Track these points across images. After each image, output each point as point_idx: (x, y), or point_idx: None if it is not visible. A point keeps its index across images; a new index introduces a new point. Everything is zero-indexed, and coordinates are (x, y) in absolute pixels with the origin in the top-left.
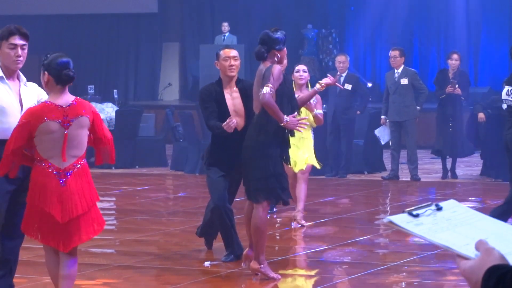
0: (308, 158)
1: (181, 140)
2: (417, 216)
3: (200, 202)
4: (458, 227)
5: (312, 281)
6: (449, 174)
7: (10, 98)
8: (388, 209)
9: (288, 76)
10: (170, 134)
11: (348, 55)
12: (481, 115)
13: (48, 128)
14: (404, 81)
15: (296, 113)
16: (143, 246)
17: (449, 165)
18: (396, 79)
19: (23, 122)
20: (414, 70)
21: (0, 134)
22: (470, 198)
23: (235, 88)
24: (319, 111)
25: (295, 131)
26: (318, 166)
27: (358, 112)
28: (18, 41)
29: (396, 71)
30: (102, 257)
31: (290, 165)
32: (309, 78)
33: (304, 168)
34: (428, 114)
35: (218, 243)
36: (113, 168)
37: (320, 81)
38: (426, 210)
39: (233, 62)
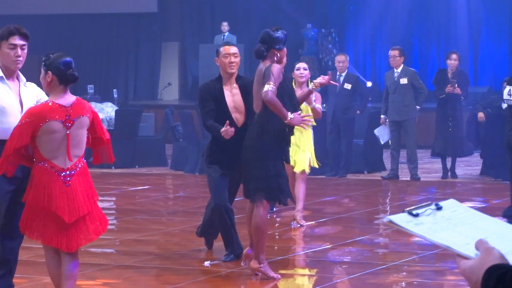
0: (309, 159)
1: (180, 140)
2: (417, 215)
3: (200, 202)
4: (458, 226)
5: (312, 281)
6: (449, 173)
7: (10, 98)
8: (388, 209)
9: (288, 74)
10: (170, 134)
11: (347, 55)
12: (480, 115)
13: (51, 128)
14: (404, 81)
15: (300, 111)
16: (143, 245)
17: (448, 165)
18: (396, 78)
19: (26, 121)
20: (413, 69)
21: (0, 134)
22: (473, 198)
23: (235, 85)
24: (317, 105)
25: (294, 130)
26: (316, 165)
27: (358, 111)
28: (18, 41)
29: (395, 70)
30: (102, 257)
31: (290, 163)
32: (309, 76)
33: (304, 170)
34: (428, 114)
35: (218, 243)
36: (113, 168)
37: (314, 81)
38: (426, 210)
39: (233, 59)
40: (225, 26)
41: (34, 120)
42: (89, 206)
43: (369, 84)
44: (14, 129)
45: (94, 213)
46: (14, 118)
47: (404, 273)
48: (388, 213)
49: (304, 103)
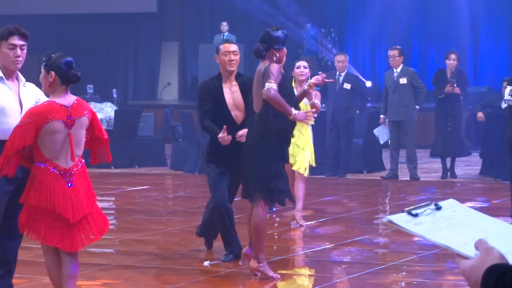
0: (309, 159)
1: (180, 140)
2: (416, 215)
3: (199, 202)
4: (457, 226)
5: (311, 281)
6: (449, 173)
7: (10, 98)
8: (387, 209)
9: (288, 73)
10: (170, 134)
11: (347, 55)
12: (480, 115)
13: (53, 128)
14: (403, 81)
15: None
16: (142, 245)
17: (448, 165)
18: (395, 78)
19: (28, 121)
20: (413, 69)
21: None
22: (473, 198)
23: (234, 83)
24: (316, 101)
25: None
26: (313, 164)
27: (357, 111)
28: (17, 41)
29: (395, 70)
30: (102, 257)
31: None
32: (310, 75)
33: (304, 170)
34: (427, 114)
35: (218, 243)
36: (112, 167)
37: (309, 81)
38: (425, 210)
39: (232, 57)
40: (224, 26)
41: (36, 120)
42: (90, 206)
43: (368, 84)
44: (15, 129)
45: (95, 213)
46: (14, 118)
47: (404, 273)
48: (387, 213)
49: (304, 102)
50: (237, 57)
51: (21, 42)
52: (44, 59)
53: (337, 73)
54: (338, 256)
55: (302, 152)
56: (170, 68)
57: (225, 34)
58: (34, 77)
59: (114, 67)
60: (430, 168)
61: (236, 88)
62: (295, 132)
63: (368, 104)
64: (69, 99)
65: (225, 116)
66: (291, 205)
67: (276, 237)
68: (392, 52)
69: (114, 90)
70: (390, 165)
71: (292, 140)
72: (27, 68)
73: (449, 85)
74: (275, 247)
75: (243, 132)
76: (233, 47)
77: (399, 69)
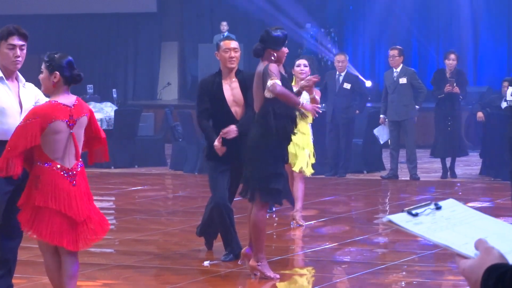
0: (309, 158)
1: (180, 140)
2: (416, 215)
3: (199, 202)
4: (457, 226)
5: (311, 281)
6: (448, 173)
7: (10, 99)
8: (387, 209)
9: (288, 70)
10: (169, 134)
11: (347, 54)
12: (480, 114)
13: (56, 128)
14: (403, 81)
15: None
16: (142, 245)
17: (448, 165)
18: (395, 78)
19: (32, 121)
20: (413, 69)
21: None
22: (473, 198)
23: (234, 79)
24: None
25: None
26: (312, 161)
27: (357, 111)
28: (17, 41)
29: (394, 70)
30: (102, 257)
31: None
32: (310, 73)
33: (304, 171)
34: (427, 114)
35: (217, 243)
36: (112, 167)
37: (301, 83)
38: (425, 209)
39: (233, 54)
40: (224, 25)
41: (41, 120)
42: (91, 205)
43: (368, 83)
44: (17, 129)
45: (96, 213)
46: (14, 119)
47: (404, 272)
48: (387, 213)
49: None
50: (238, 54)
51: (20, 42)
52: (46, 59)
53: (337, 73)
54: (338, 256)
55: (301, 151)
56: (170, 68)
57: (225, 34)
58: (34, 77)
59: (114, 67)
60: (430, 168)
61: (236, 84)
62: (296, 131)
63: (368, 104)
64: (71, 99)
65: (225, 112)
66: (289, 205)
67: (275, 237)
68: (392, 52)
69: (114, 90)
70: (390, 165)
71: (293, 139)
72: (27, 68)
73: (449, 85)
74: (274, 247)
75: (228, 129)
76: (234, 44)
77: (399, 69)
